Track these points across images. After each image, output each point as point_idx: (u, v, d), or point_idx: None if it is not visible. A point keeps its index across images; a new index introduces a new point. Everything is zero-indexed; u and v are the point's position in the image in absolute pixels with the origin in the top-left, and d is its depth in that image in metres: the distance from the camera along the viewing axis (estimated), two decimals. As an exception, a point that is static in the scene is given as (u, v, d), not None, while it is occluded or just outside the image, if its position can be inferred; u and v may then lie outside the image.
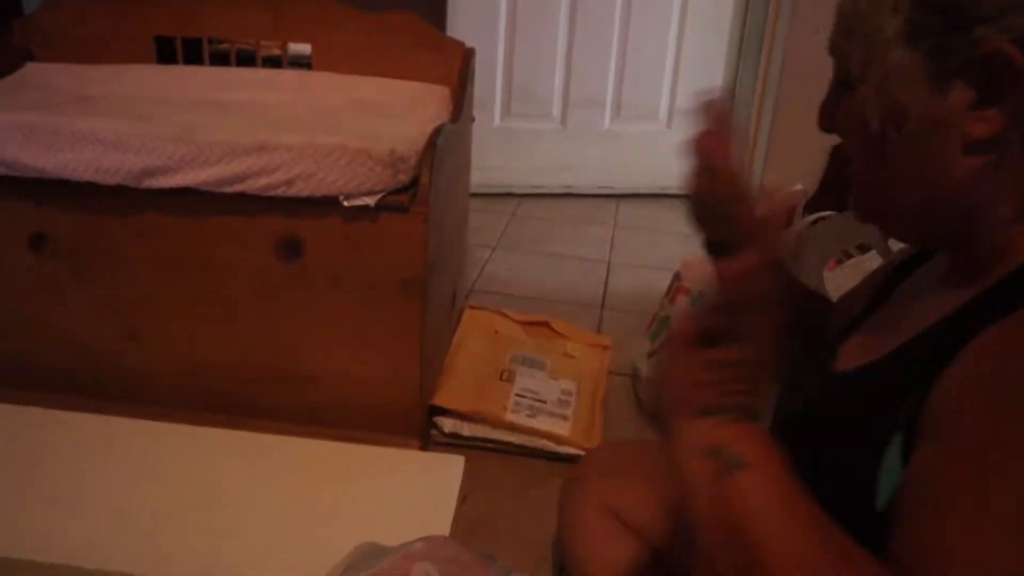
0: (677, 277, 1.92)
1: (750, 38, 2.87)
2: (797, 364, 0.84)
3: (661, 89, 2.93)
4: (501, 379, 1.74)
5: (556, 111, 2.90)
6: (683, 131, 3.02)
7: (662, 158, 3.00)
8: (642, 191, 3.04)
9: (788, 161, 2.05)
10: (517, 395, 1.70)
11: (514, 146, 2.92)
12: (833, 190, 1.99)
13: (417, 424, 1.59)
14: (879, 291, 0.80)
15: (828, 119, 0.67)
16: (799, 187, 1.21)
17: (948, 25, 0.56)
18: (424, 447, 1.60)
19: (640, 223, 2.87)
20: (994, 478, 0.51)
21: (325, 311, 1.51)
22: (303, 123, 1.56)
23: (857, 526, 0.56)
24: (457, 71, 1.83)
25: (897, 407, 0.60)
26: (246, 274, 1.50)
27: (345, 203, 1.43)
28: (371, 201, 1.42)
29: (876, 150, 0.63)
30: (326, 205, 1.44)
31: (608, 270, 2.50)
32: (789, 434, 0.70)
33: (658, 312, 1.94)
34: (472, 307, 2.03)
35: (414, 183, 1.45)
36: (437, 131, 1.52)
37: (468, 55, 1.83)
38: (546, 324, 2.00)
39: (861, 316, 0.79)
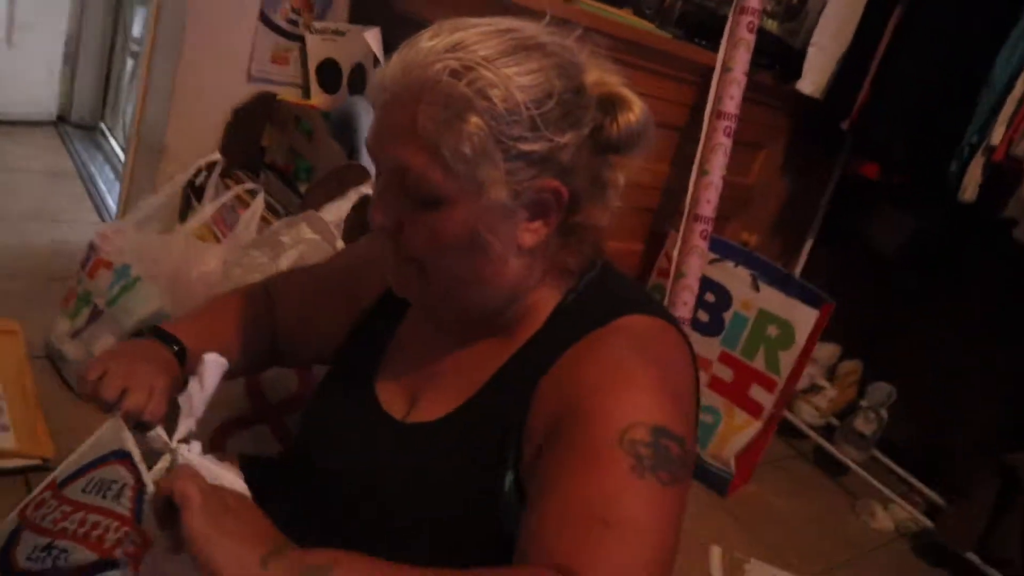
0: (94, 248, 1.84)
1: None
2: (322, 404, 0.96)
3: (-3, 0, 2.55)
4: (-91, 399, 1.48)
5: None
6: (26, 48, 2.70)
7: (2, 80, 2.65)
8: (-20, 119, 2.65)
9: (192, 117, 2.04)
10: (-62, 415, 1.48)
11: None
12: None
13: None
14: (370, 338, 0.93)
15: (389, 221, 0.77)
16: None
17: (522, 169, 0.73)
18: None
19: (-10, 161, 2.53)
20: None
21: None
22: None
23: (485, 545, 0.75)
24: None
25: (499, 452, 0.76)
26: None
27: None
28: None
29: (457, 256, 0.76)
30: None
31: (-27, 227, 2.19)
32: (364, 484, 0.83)
33: (75, 287, 1.83)
34: None
35: None
36: None
37: None
38: (-65, 316, 1.72)
39: (371, 363, 0.91)
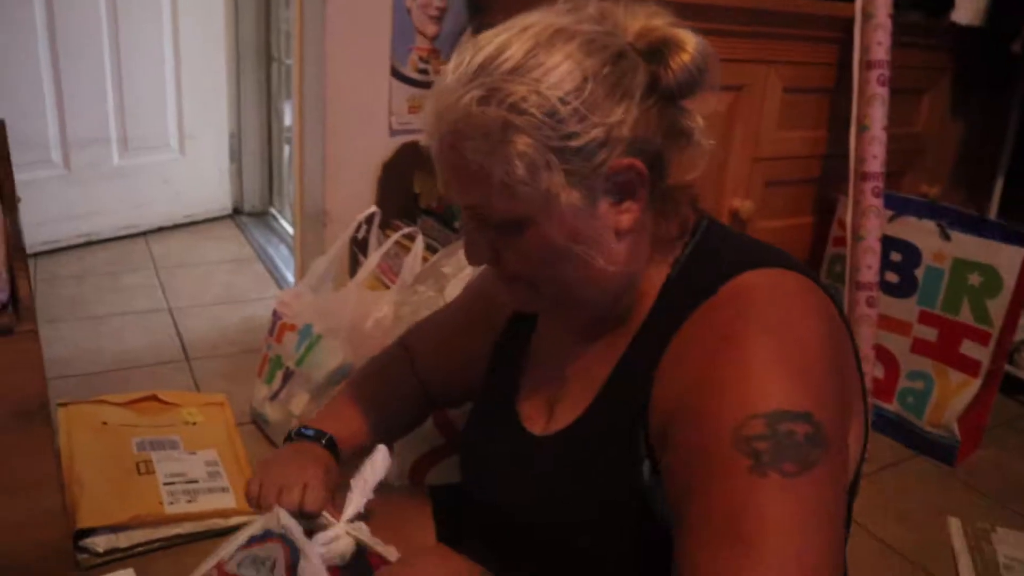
0: (277, 315, 1.96)
1: (245, 54, 2.91)
2: (472, 434, 0.97)
3: (165, 116, 2.82)
4: (140, 473, 1.62)
5: (56, 154, 2.60)
6: (197, 154, 2.95)
7: (181, 187, 2.91)
8: (168, 224, 2.91)
9: (346, 180, 2.16)
10: (166, 484, 1.60)
11: (11, 202, 2.55)
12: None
13: (71, 557, 1.41)
14: (508, 359, 0.95)
15: (484, 256, 0.79)
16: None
17: (584, 162, 0.71)
18: (82, 577, 1.44)
19: (181, 259, 2.77)
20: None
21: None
22: None
23: (642, 539, 0.73)
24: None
25: (630, 445, 0.74)
26: None
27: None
28: (-32, 336, 1.21)
29: (559, 265, 0.76)
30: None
31: (173, 318, 2.39)
32: (518, 504, 0.84)
33: (267, 353, 1.96)
34: (62, 404, 1.80)
35: (11, 297, 1.27)
36: (13, 225, 1.33)
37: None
38: (153, 397, 1.88)
39: (512, 383, 0.92)
